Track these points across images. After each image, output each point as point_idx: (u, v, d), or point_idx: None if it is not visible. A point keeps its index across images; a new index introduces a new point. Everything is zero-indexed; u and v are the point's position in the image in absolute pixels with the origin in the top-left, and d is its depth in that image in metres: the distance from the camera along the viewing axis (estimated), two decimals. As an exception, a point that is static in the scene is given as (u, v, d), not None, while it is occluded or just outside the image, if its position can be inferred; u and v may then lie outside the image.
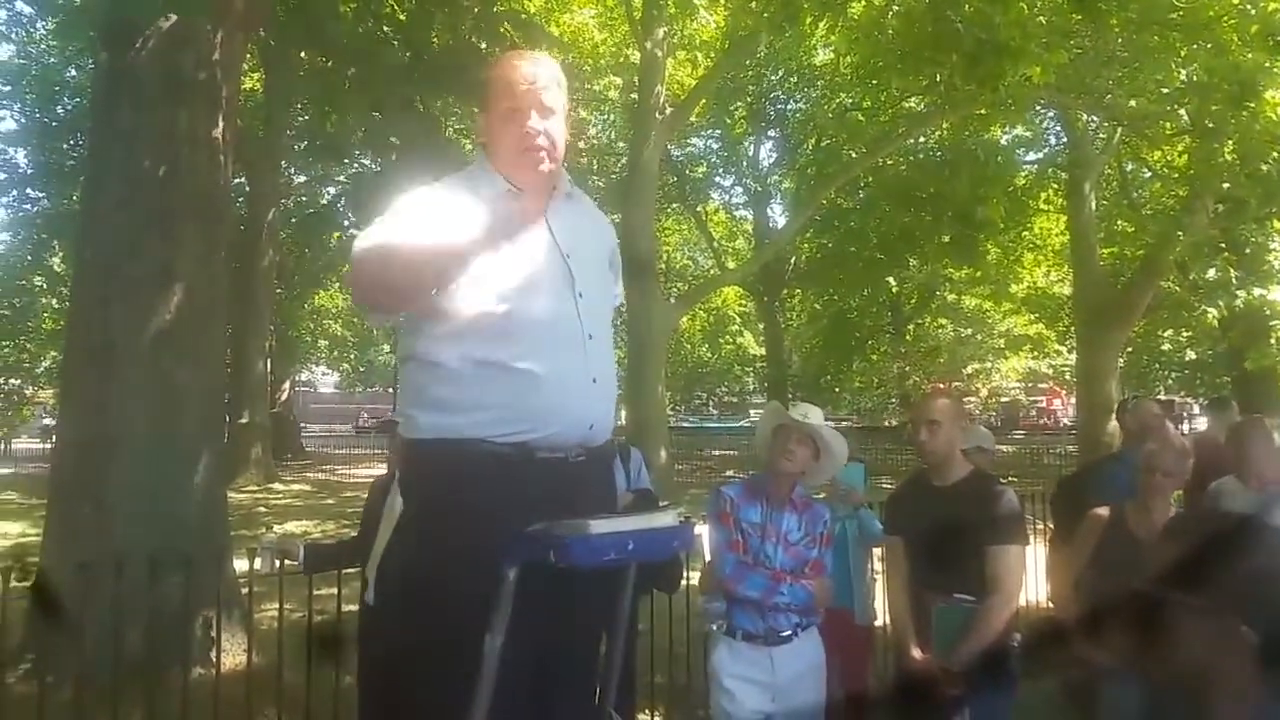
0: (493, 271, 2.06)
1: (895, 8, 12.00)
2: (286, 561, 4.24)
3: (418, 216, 2.05)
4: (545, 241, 2.16)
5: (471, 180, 2.21)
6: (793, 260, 26.59)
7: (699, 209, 28.47)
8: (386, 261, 1.99)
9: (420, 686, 3.39)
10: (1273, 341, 15.14)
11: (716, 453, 28.07)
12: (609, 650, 2.28)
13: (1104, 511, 3.54)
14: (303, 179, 22.63)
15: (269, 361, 21.41)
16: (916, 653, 3.15)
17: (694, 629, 5.22)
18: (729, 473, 21.74)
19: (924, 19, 7.76)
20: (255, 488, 17.06)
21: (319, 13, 5.80)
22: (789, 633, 3.17)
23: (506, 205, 2.03)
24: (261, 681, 4.62)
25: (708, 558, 3.45)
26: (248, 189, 18.19)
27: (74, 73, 19.86)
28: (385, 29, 6.41)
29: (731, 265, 27.19)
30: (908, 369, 22.79)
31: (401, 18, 6.32)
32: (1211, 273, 14.38)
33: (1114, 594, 3.34)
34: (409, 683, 3.64)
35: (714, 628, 3.25)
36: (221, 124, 5.70)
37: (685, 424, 38.71)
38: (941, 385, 21.67)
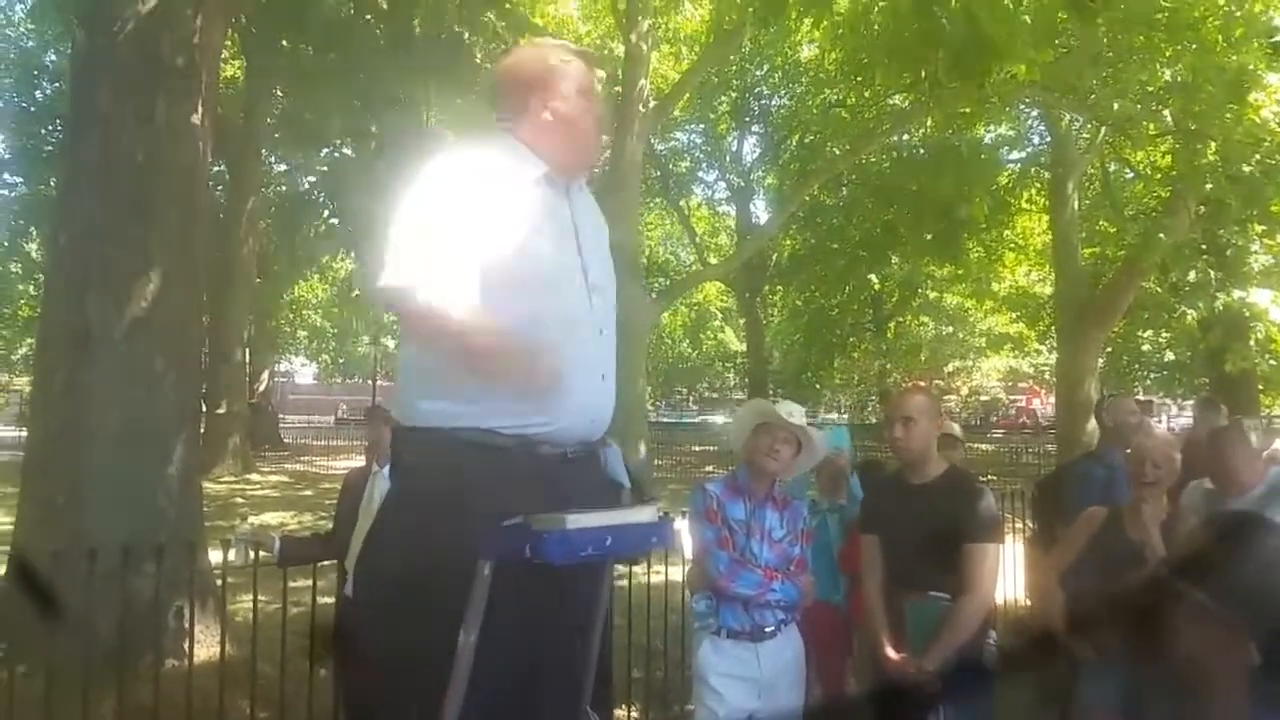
0: (514, 259, 2.03)
1: (881, 3, 12.00)
2: (261, 553, 4.21)
3: (465, 243, 1.96)
4: (568, 231, 2.15)
5: (507, 157, 2.14)
6: (775, 256, 26.62)
7: (682, 203, 28.47)
8: (442, 333, 1.98)
9: (404, 683, 3.36)
10: (1251, 343, 15.24)
11: (696, 448, 28.10)
12: (587, 647, 2.25)
13: (1101, 510, 3.54)
14: (283, 168, 22.46)
15: (247, 351, 21.26)
16: (891, 651, 3.15)
17: (671, 624, 5.23)
18: (708, 468, 21.77)
19: (910, 15, 7.72)
20: (232, 478, 16.95)
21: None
22: (773, 628, 3.18)
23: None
24: (235, 673, 4.57)
25: (687, 555, 3.43)
26: (227, 177, 18.05)
27: (53, 57, 19.63)
28: (367, 17, 6.34)
29: (714, 260, 27.22)
30: (889, 366, 22.86)
31: (384, 5, 6.25)
32: (1192, 275, 14.45)
33: (1107, 592, 3.36)
34: (392, 680, 3.61)
35: (700, 626, 3.23)
36: (201, 110, 5.63)
37: (664, 419, 38.74)
38: (920, 382, 21.76)
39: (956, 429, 4.66)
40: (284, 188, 22.84)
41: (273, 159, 20.72)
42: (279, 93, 15.25)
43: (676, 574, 5.00)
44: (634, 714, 4.95)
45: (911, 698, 3.02)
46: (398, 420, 2.15)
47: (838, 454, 4.20)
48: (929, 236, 17.03)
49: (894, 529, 3.25)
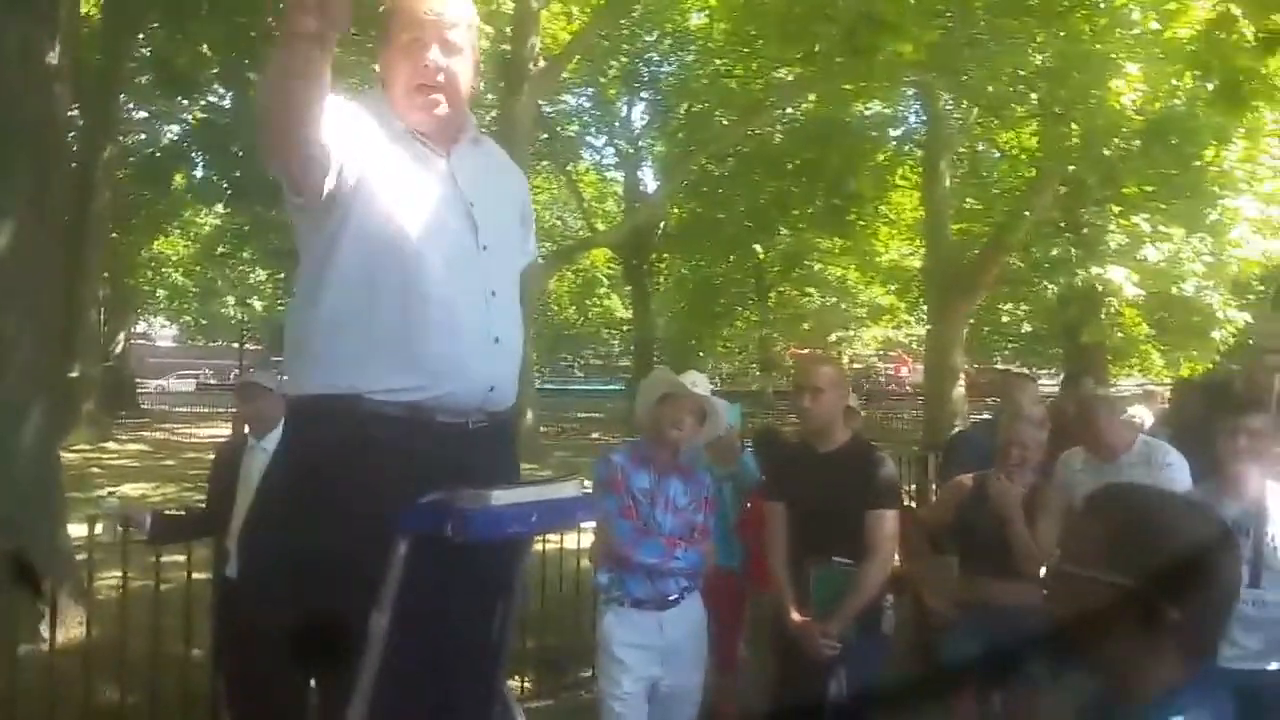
0: (390, 218, 1.91)
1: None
2: (131, 530, 3.97)
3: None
4: (448, 190, 2.02)
5: (372, 110, 2.00)
6: (662, 224, 26.71)
7: (570, 168, 28.18)
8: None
9: (306, 665, 3.20)
10: (1103, 316, 16.17)
11: (582, 415, 28.15)
12: (503, 623, 2.19)
13: (966, 480, 3.68)
14: (143, 115, 21.12)
15: (102, 311, 20.07)
16: (795, 615, 3.20)
17: (565, 592, 5.22)
18: (594, 434, 21.84)
19: (804, -11, 7.85)
20: (87, 447, 15.99)
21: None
22: (676, 596, 3.19)
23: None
24: (102, 657, 4.31)
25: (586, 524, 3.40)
26: (81, 123, 16.84)
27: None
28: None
29: (601, 227, 27.10)
30: (775, 335, 23.36)
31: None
32: (1054, 251, 15.21)
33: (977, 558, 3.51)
34: (280, 663, 3.45)
35: (604, 599, 3.21)
36: (58, 47, 5.19)
37: (549, 386, 38.60)
38: (804, 351, 22.34)
39: (854, 401, 4.76)
40: (144, 136, 21.52)
41: (131, 105, 19.46)
42: (140, 35, 14.28)
43: (570, 542, 4.98)
44: (527, 684, 4.90)
45: (812, 661, 3.08)
46: (286, 389, 2.04)
47: (729, 430, 4.24)
48: (818, 208, 17.39)
49: (799, 496, 3.31)
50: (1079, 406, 4.18)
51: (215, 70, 6.39)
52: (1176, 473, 3.60)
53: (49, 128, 5.32)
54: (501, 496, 1.84)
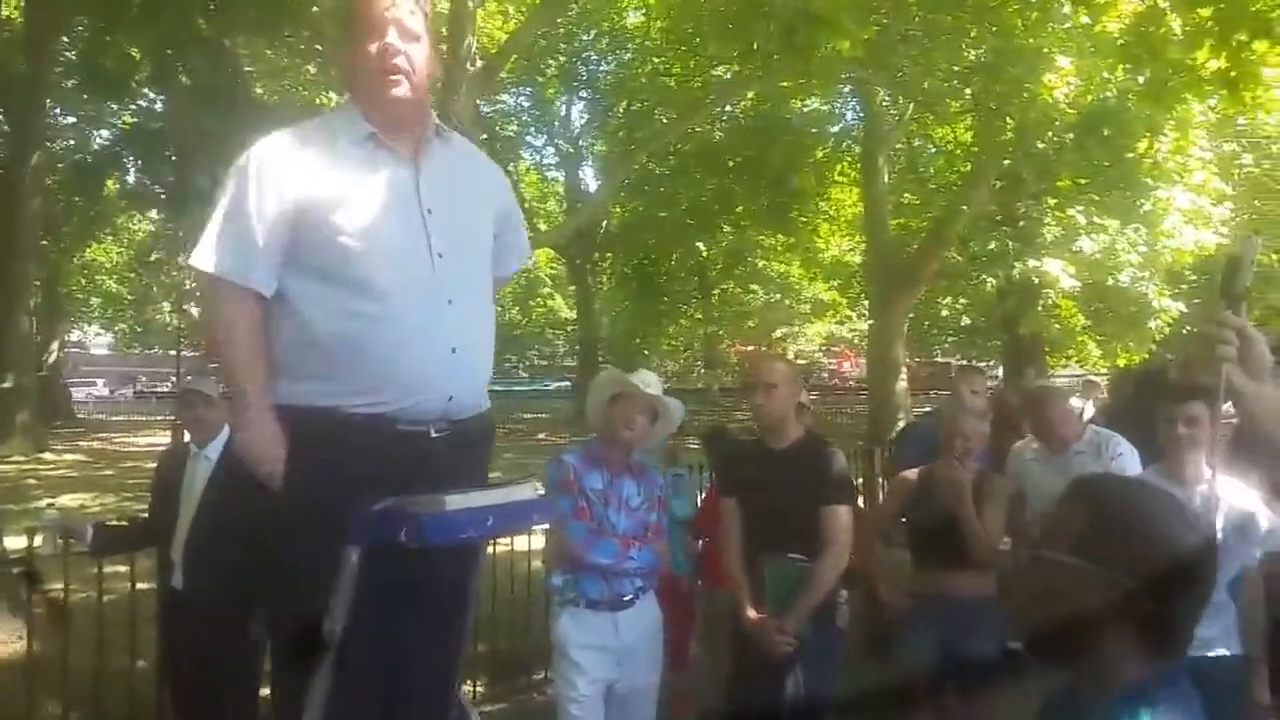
0: (343, 231, 1.91)
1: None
2: (71, 542, 3.86)
3: (260, 209, 1.92)
4: (404, 198, 2.01)
5: (329, 126, 2.04)
6: (604, 223, 26.71)
7: (510, 168, 28.00)
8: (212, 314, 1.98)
9: (257, 675, 3.17)
10: (1040, 309, 16.46)
11: (528, 416, 27.99)
12: (459, 629, 2.18)
13: (912, 474, 3.74)
14: (71, 120, 20.56)
15: (34, 320, 19.51)
16: (751, 612, 3.21)
17: (516, 594, 5.18)
18: (541, 435, 21.75)
19: (742, -14, 7.89)
20: (22, 458, 15.57)
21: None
22: (631, 596, 3.17)
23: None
24: (42, 670, 4.19)
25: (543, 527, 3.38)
26: (7, 129, 16.35)
27: None
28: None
29: (543, 228, 26.98)
30: (721, 333, 23.45)
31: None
32: (992, 244, 15.46)
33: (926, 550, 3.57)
34: (232, 673, 3.40)
35: (559, 601, 3.19)
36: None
37: (495, 387, 38.29)
38: (749, 348, 22.47)
39: (805, 398, 4.81)
40: (72, 142, 20.95)
41: (58, 111, 18.93)
42: (66, 39, 13.89)
43: (520, 543, 4.95)
44: (480, 688, 4.87)
45: (769, 657, 3.10)
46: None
47: (672, 444, 4.28)
48: (763, 204, 17.47)
49: (753, 493, 3.32)
50: (1028, 398, 4.27)
51: (145, 74, 6.23)
52: (1127, 462, 3.68)
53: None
54: (456, 501, 1.83)
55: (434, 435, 1.99)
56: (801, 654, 3.12)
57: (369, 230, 1.93)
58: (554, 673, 3.36)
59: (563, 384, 37.98)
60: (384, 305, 1.91)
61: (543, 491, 2.24)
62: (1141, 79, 9.71)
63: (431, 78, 2.11)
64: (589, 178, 29.02)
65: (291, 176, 1.92)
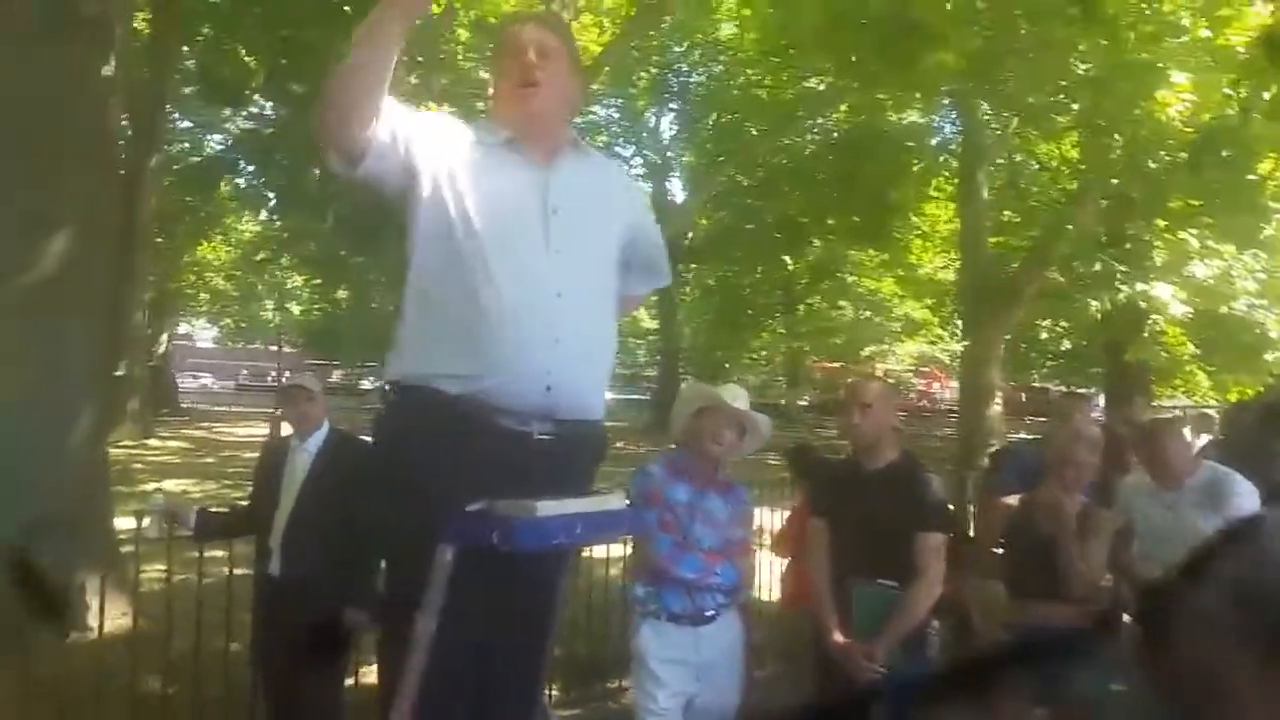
0: (463, 216, 2.02)
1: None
2: (175, 526, 4.02)
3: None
4: (531, 195, 2.10)
5: (475, 130, 2.18)
6: (689, 235, 26.71)
7: (598, 179, 28.15)
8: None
9: (330, 665, 3.28)
10: (1146, 335, 15.81)
11: (607, 424, 28.01)
12: (544, 633, 2.19)
13: (1011, 501, 3.62)
14: (187, 125, 21.51)
15: (146, 313, 20.43)
16: (838, 637, 3.15)
17: (593, 601, 5.19)
18: (619, 444, 21.78)
19: (841, -2, 7.79)
20: (131, 443, 16.26)
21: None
22: (713, 612, 3.14)
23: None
24: (146, 648, 4.37)
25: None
26: (129, 133, 17.17)
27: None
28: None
29: (629, 238, 27.02)
30: (806, 348, 23.18)
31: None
32: (1097, 266, 14.92)
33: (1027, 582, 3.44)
34: (320, 662, 3.50)
35: (640, 612, 3.18)
36: (114, 62, 5.29)
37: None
38: (833, 365, 22.13)
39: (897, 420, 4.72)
40: (187, 145, 21.92)
41: (176, 115, 19.83)
42: (186, 48, 14.58)
43: (599, 550, 4.97)
44: (555, 692, 4.89)
45: (857, 685, 3.03)
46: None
47: None
48: (857, 220, 17.21)
49: (844, 515, 3.25)
50: (1143, 430, 4.11)
51: (261, 82, 6.48)
52: (1246, 502, 3.51)
53: (103, 139, 5.43)
54: (548, 507, 1.84)
55: (538, 437, 2.02)
56: (889, 683, 3.05)
57: (491, 215, 2.03)
58: (631, 682, 3.35)
59: (640, 395, 37.99)
60: (494, 287, 1.99)
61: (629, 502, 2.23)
62: (1267, 95, 9.25)
63: (571, 97, 2.26)
64: (676, 189, 29.06)
65: (436, 136, 2.07)
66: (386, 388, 2.13)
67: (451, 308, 2.01)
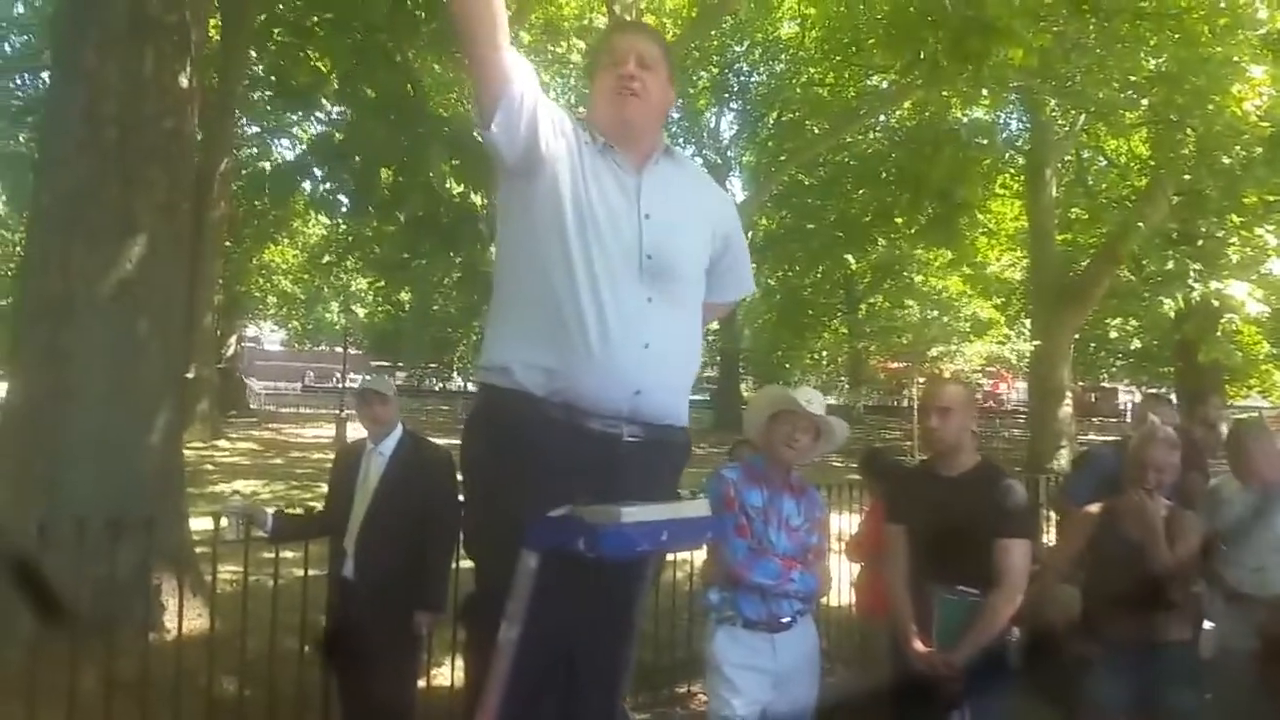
0: (562, 213, 2.04)
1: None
2: (252, 529, 4.09)
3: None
4: (625, 198, 2.12)
5: (574, 125, 2.18)
6: (750, 234, 26.58)
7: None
8: None
9: (403, 667, 3.33)
10: (1219, 334, 15.38)
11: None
12: (626, 637, 2.19)
13: (1095, 509, 3.53)
14: (255, 130, 22.00)
15: (216, 315, 20.94)
16: (918, 645, 3.10)
17: (661, 606, 5.18)
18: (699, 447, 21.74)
19: (910, -6, 7.69)
20: (201, 444, 16.69)
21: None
22: (789, 619, 3.11)
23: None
24: (222, 648, 4.46)
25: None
26: (200, 138, 17.59)
27: (21, 9, 18.97)
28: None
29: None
30: (871, 348, 22.93)
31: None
32: (1169, 264, 14.54)
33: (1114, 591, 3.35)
34: (393, 663, 3.54)
35: (716, 619, 3.15)
36: (190, 69, 5.42)
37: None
38: (897, 365, 21.81)
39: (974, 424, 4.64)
40: (255, 150, 22.42)
41: (244, 121, 20.30)
42: (256, 53, 14.90)
43: (667, 554, 4.94)
44: (625, 697, 4.88)
45: (936, 693, 2.97)
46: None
47: None
48: (921, 218, 17.00)
49: (923, 521, 3.19)
50: (1228, 434, 3.99)
51: (333, 88, 6.60)
52: None
53: (180, 144, 5.54)
54: (632, 514, 1.83)
55: (626, 439, 2.03)
56: (969, 692, 2.98)
57: (588, 219, 2.05)
58: (705, 688, 3.32)
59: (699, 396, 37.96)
60: (589, 290, 2.01)
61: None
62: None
63: (667, 105, 2.28)
64: (736, 188, 28.98)
65: (553, 128, 2.08)
66: (476, 387, 2.19)
67: (546, 308, 2.02)
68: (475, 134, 2.19)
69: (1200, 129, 12.68)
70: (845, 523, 5.12)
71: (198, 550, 5.52)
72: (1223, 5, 11.96)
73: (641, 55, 2.16)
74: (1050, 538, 5.60)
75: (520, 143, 2.02)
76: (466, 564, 2.32)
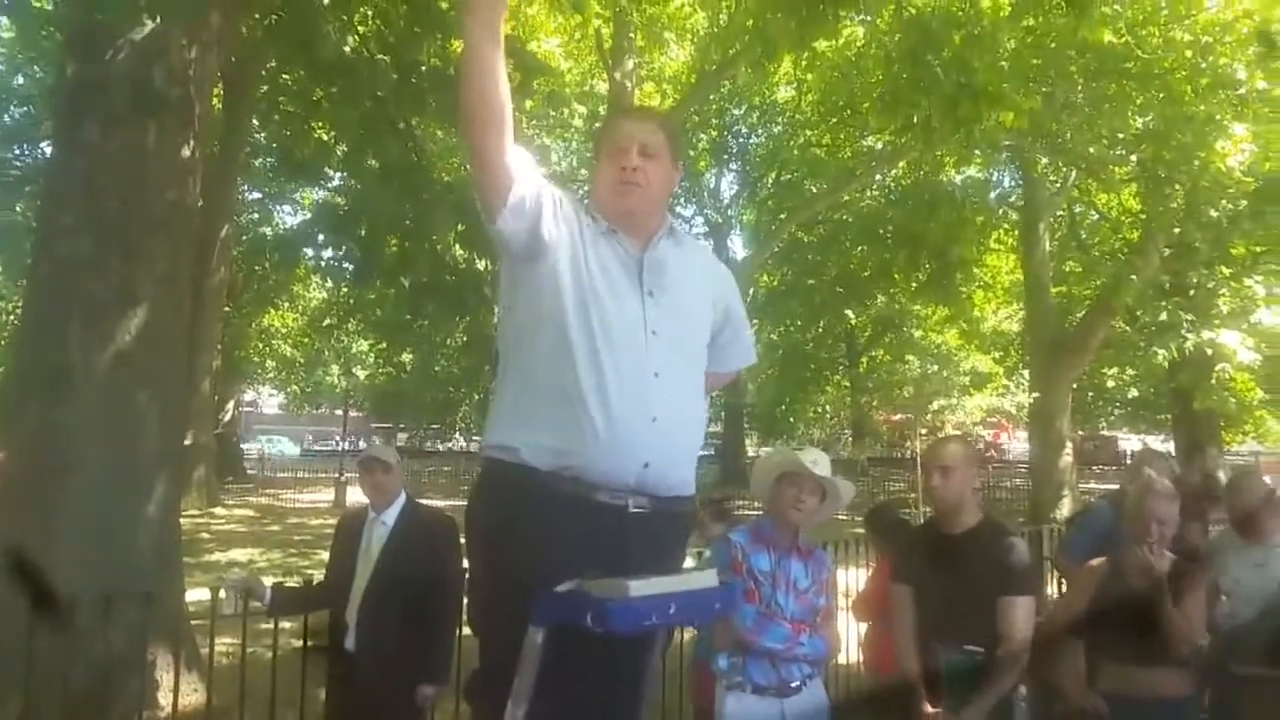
0: (573, 297, 2.07)
1: (873, 51, 12.17)
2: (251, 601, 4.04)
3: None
4: (628, 277, 2.15)
5: (577, 207, 2.22)
6: (751, 291, 26.77)
7: (658, 239, 28.46)
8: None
9: None
10: (1214, 382, 15.49)
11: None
12: (634, 714, 2.16)
13: (1098, 563, 3.51)
14: (256, 196, 22.23)
15: (213, 381, 20.92)
16: (927, 706, 3.05)
17: (668, 671, 5.09)
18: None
19: (903, 61, 7.87)
20: (196, 512, 16.52)
21: (305, 32, 5.61)
22: (799, 683, 3.08)
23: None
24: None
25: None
26: (202, 205, 17.75)
27: (21, 80, 19.29)
28: (372, 48, 6.25)
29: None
30: (875, 403, 22.97)
31: (390, 39, 6.16)
32: (1163, 315, 14.70)
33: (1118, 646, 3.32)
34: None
35: (726, 685, 3.12)
36: (192, 142, 5.50)
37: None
38: (898, 418, 21.82)
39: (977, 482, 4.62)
40: (256, 216, 22.65)
41: (245, 187, 20.51)
42: (255, 121, 15.12)
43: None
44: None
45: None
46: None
47: None
48: (922, 275, 17.22)
49: (928, 580, 3.18)
50: (1227, 486, 3.99)
51: (338, 158, 6.70)
52: None
53: (182, 215, 5.59)
54: (640, 587, 1.82)
55: (633, 510, 2.03)
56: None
57: (593, 298, 2.08)
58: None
59: (703, 452, 37.86)
60: (596, 367, 2.03)
61: (721, 579, 2.19)
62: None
63: (670, 187, 2.31)
64: (737, 246, 29.26)
65: (557, 213, 2.11)
66: (483, 464, 2.16)
67: (553, 386, 2.04)
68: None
69: (1188, 184, 12.96)
70: (853, 579, 5.07)
71: (193, 623, 5.47)
72: (1203, 66, 12.29)
73: (644, 145, 2.19)
74: (1053, 589, 5.57)
75: (524, 234, 2.06)
76: (469, 632, 2.31)
